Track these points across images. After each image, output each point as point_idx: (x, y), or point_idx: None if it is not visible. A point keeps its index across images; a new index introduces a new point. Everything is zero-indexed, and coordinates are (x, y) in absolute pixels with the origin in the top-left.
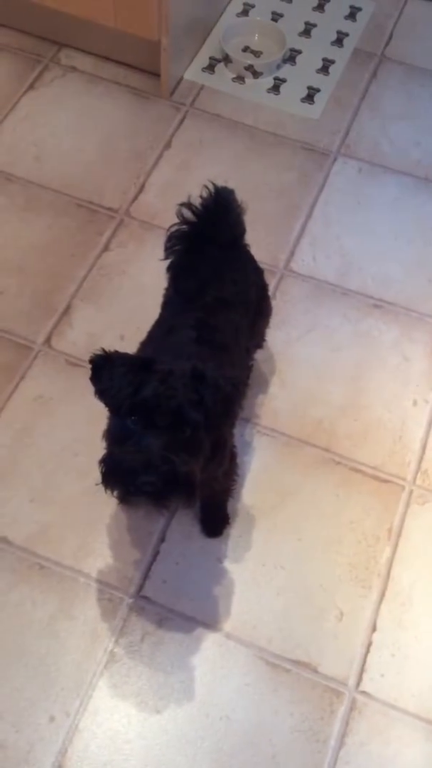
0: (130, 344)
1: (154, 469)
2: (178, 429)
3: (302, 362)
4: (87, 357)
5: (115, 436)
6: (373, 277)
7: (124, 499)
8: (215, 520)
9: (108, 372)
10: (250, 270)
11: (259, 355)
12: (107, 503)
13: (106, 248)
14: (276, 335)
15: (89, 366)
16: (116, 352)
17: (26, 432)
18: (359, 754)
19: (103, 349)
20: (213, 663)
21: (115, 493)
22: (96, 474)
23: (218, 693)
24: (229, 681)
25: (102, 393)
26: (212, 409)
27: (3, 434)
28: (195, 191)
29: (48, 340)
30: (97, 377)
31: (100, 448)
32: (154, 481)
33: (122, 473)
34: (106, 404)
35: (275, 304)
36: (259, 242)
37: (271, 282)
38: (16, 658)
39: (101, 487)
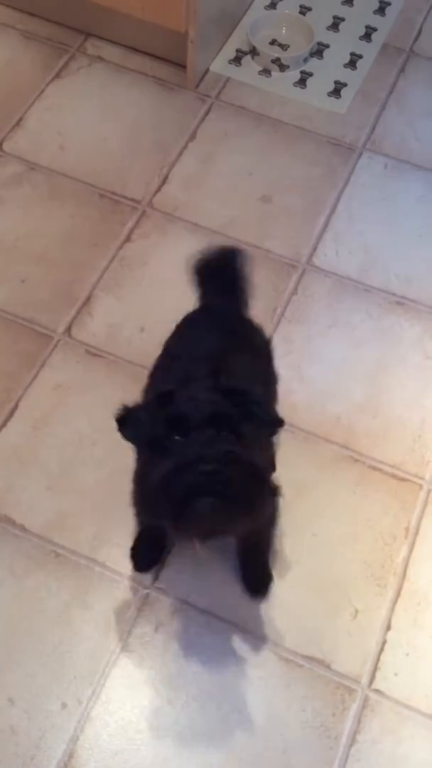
0: (149, 336)
1: (213, 459)
2: (219, 431)
3: (322, 358)
4: (107, 347)
5: (152, 470)
6: (397, 274)
7: (205, 537)
8: (262, 575)
9: (134, 417)
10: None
11: (277, 350)
12: (124, 493)
13: (128, 239)
14: (296, 330)
15: (115, 423)
16: (136, 404)
17: (45, 420)
18: (371, 752)
19: (123, 404)
20: (226, 656)
21: (194, 535)
22: (114, 463)
23: (231, 686)
24: (241, 675)
25: (134, 437)
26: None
27: (22, 422)
28: (218, 184)
29: (68, 330)
30: (123, 428)
31: (119, 439)
32: (218, 470)
33: (181, 490)
34: (140, 444)
35: (296, 299)
36: (281, 236)
37: (293, 277)
38: (30, 644)
39: (116, 478)
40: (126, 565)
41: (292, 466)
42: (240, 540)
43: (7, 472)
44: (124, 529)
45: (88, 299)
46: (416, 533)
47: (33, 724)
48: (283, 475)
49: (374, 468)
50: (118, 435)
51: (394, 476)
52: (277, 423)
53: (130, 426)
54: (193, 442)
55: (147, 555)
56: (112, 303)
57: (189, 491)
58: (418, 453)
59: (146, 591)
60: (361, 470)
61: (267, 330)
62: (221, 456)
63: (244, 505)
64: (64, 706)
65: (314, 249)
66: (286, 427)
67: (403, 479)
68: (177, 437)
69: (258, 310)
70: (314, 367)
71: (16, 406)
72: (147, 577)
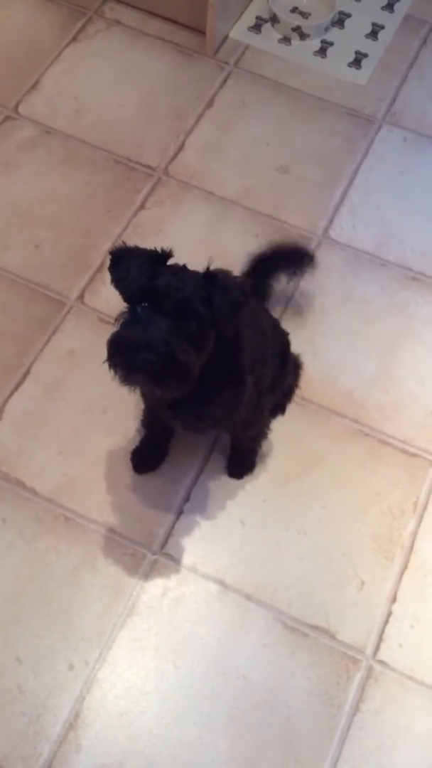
0: None
1: (155, 349)
2: (184, 320)
3: (336, 332)
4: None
5: (126, 321)
6: (413, 249)
7: (126, 380)
8: (241, 465)
9: (125, 263)
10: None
11: (291, 323)
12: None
13: (142, 206)
14: (310, 303)
15: (109, 257)
16: (135, 246)
17: (56, 386)
18: (373, 721)
19: (124, 242)
20: (232, 623)
21: (118, 374)
22: (124, 430)
23: (236, 652)
24: (247, 641)
25: (118, 282)
26: (219, 310)
27: (34, 387)
28: (235, 153)
29: (81, 296)
30: (115, 267)
31: (129, 406)
32: (152, 359)
33: (126, 351)
34: (121, 293)
35: (311, 271)
36: (298, 207)
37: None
38: (39, 605)
39: (126, 445)
40: (135, 530)
41: (302, 438)
42: (232, 436)
43: (18, 435)
44: (133, 494)
45: (102, 266)
46: (424, 508)
47: (40, 683)
48: (293, 447)
49: (384, 442)
50: (129, 402)
51: (404, 451)
52: (240, 305)
53: (120, 269)
54: (151, 326)
55: (146, 459)
56: None
57: (124, 363)
58: (428, 429)
59: (154, 557)
60: (372, 444)
61: (280, 302)
62: (161, 355)
63: (169, 390)
64: (71, 667)
65: (331, 221)
66: (297, 399)
67: (413, 454)
68: (142, 307)
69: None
70: (327, 341)
71: (28, 371)
72: (155, 543)
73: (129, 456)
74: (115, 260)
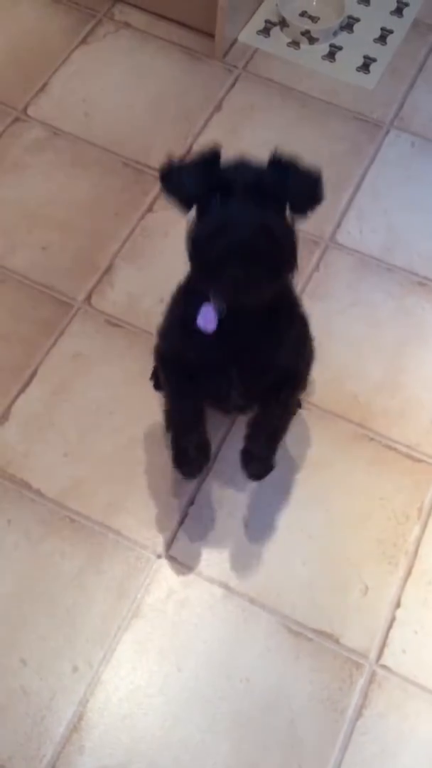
0: None
1: (250, 227)
2: (261, 205)
3: (342, 336)
4: (126, 317)
5: (200, 218)
6: (420, 254)
7: (220, 275)
8: (261, 457)
9: (176, 174)
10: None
11: None
12: (140, 461)
13: (150, 209)
14: (317, 307)
15: (158, 175)
16: (180, 160)
17: (63, 388)
18: (376, 726)
19: (169, 158)
20: (236, 626)
21: (208, 271)
22: (130, 432)
23: (240, 656)
24: (251, 645)
25: (173, 191)
26: (295, 191)
27: (40, 389)
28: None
29: (88, 298)
30: (167, 180)
31: (136, 408)
32: (249, 236)
33: (213, 254)
34: (180, 200)
35: (317, 276)
36: None
37: (315, 253)
38: (44, 607)
39: (132, 447)
40: (140, 533)
41: (308, 442)
42: (261, 408)
43: (25, 437)
44: (139, 497)
45: (109, 268)
46: (429, 513)
47: (44, 685)
48: (297, 451)
49: (390, 447)
50: (136, 404)
51: (409, 456)
52: (318, 199)
53: (173, 183)
54: (232, 208)
55: (193, 459)
56: (132, 273)
57: (220, 258)
58: None
59: (159, 559)
60: (377, 449)
61: None
62: (255, 226)
63: (270, 275)
64: (75, 669)
65: (338, 226)
66: (303, 404)
67: (418, 460)
68: (218, 201)
69: None
70: (333, 345)
71: (35, 372)
72: (160, 546)
73: (173, 465)
74: (165, 175)
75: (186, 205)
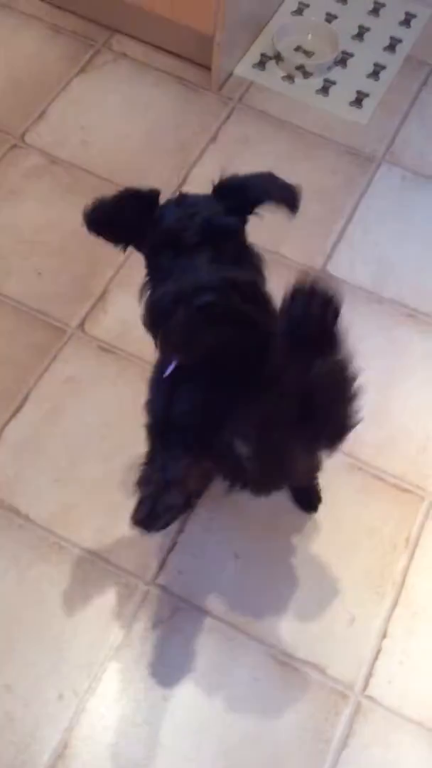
0: None
1: (209, 286)
2: (217, 245)
3: None
4: (119, 344)
5: (151, 279)
6: (410, 286)
7: (191, 345)
8: (308, 495)
9: (105, 218)
10: None
11: None
12: (130, 489)
13: None
14: None
15: (84, 223)
16: (104, 196)
17: (55, 413)
18: (361, 757)
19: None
20: (223, 656)
21: (176, 343)
22: (121, 459)
23: (226, 685)
24: (237, 675)
25: (102, 228)
26: (257, 194)
27: (32, 413)
28: None
29: (82, 324)
30: (96, 229)
31: (128, 434)
32: (213, 298)
33: (181, 328)
34: (110, 239)
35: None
36: (297, 242)
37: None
38: (31, 633)
39: (123, 474)
40: (128, 560)
41: None
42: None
43: (15, 462)
44: (127, 524)
45: (103, 295)
46: (416, 544)
47: (29, 712)
48: None
49: (378, 477)
50: (127, 430)
51: (396, 486)
52: (294, 201)
53: (99, 221)
54: (187, 267)
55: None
56: (127, 300)
57: (190, 327)
58: (421, 465)
59: (147, 587)
60: (365, 479)
61: None
62: (219, 283)
63: (246, 330)
64: (61, 696)
65: (329, 257)
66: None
67: (405, 490)
68: (167, 257)
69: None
70: None
71: (26, 397)
72: (148, 574)
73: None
74: (92, 222)
75: (117, 243)
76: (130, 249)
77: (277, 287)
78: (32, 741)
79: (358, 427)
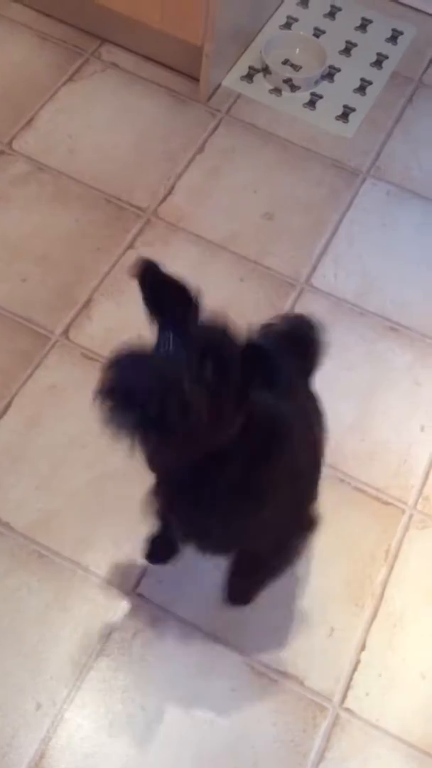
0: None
1: (163, 391)
2: (205, 360)
3: (314, 378)
4: (103, 352)
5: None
6: (393, 299)
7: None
8: (247, 589)
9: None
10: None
11: None
12: (111, 496)
13: (131, 246)
14: None
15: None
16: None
17: (37, 420)
18: None
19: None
20: (201, 666)
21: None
22: (102, 467)
23: (204, 696)
24: (215, 685)
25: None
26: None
27: (14, 420)
28: (223, 198)
29: (66, 332)
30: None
31: (108, 443)
32: (158, 410)
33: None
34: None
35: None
36: (282, 254)
37: (291, 295)
38: (8, 642)
39: (104, 483)
40: (109, 569)
41: None
42: (239, 553)
43: None
44: (109, 533)
45: (88, 302)
46: (396, 556)
47: (6, 722)
48: None
49: (359, 489)
50: (109, 438)
51: (377, 499)
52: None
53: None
54: (166, 354)
55: (160, 550)
56: (111, 308)
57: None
58: (402, 477)
59: (127, 597)
60: (346, 491)
61: None
62: (173, 393)
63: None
64: (38, 706)
65: (313, 269)
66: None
67: (386, 502)
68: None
69: (255, 328)
70: None
71: (9, 404)
72: (128, 584)
73: (144, 541)
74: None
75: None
76: (118, 258)
77: (263, 298)
78: (9, 750)
79: (340, 439)
